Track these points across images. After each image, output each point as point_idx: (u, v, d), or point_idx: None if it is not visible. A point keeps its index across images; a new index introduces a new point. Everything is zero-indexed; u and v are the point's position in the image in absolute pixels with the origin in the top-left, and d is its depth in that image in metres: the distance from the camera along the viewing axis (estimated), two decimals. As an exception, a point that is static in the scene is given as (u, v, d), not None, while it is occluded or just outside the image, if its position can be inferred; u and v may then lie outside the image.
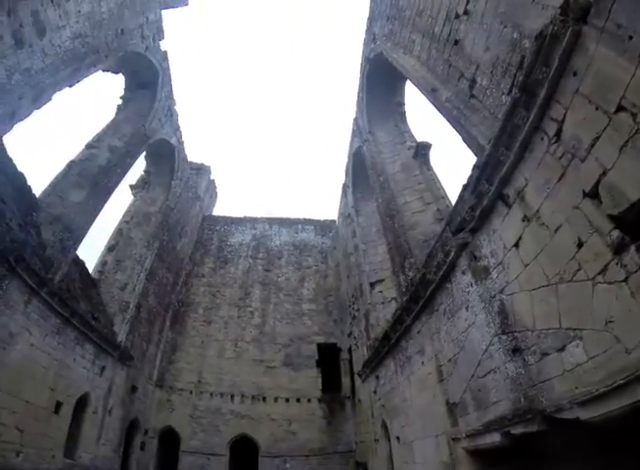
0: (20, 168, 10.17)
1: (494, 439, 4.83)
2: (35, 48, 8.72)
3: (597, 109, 3.38)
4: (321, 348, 15.02)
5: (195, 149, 70.16)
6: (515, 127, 4.66)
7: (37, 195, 10.87)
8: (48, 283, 9.36)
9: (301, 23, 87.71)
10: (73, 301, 10.51)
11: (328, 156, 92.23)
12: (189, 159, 18.19)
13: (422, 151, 12.38)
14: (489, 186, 5.27)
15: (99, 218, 11.95)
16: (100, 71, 11.94)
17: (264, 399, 13.24)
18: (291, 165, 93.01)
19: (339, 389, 14.07)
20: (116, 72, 12.77)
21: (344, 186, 17.29)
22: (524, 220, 4.47)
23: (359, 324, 13.48)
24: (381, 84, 13.74)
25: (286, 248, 17.67)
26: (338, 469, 12.30)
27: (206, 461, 11.95)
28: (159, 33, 13.01)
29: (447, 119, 7.91)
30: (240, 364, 13.85)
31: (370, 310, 12.75)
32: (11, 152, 9.77)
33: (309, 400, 13.76)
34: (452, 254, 6.44)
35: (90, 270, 12.80)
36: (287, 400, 13.60)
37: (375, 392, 11.23)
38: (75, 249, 11.04)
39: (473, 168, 5.91)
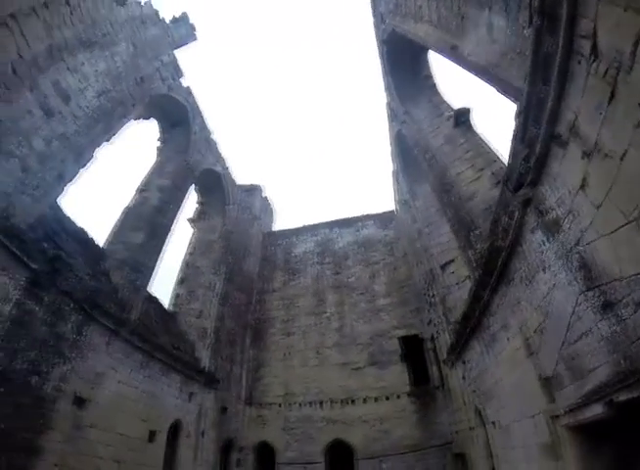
0: (79, 224, 11.15)
1: (596, 411, 4.09)
2: (65, 114, 9.48)
3: (626, 10, 2.92)
4: (403, 341, 14.52)
5: (244, 170, 72.21)
6: (546, 58, 4.16)
7: (102, 244, 11.84)
8: (126, 323, 10.07)
9: (318, 24, 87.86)
10: (153, 335, 11.18)
11: (371, 148, 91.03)
12: (239, 181, 18.88)
13: (462, 118, 11.69)
14: (537, 129, 4.71)
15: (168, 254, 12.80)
16: (132, 121, 12.83)
17: (353, 401, 13.08)
18: (338, 165, 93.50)
19: (427, 380, 13.48)
20: (148, 118, 13.67)
21: (395, 173, 16.82)
22: (584, 157, 3.88)
23: (437, 310, 12.88)
24: (403, 63, 13.28)
25: (350, 248, 17.51)
26: (435, 463, 11.72)
27: (303, 470, 12.10)
28: (177, 72, 13.67)
29: (476, 74, 7.52)
30: (324, 370, 13.85)
31: (445, 294, 12.17)
32: (68, 209, 10.78)
33: (399, 397, 13.33)
34: (516, 214, 5.84)
35: (166, 304, 13.63)
36: (376, 400, 13.29)
37: (464, 378, 10.59)
38: (146, 287, 11.75)
39: (516, 117, 5.33)
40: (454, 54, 8.15)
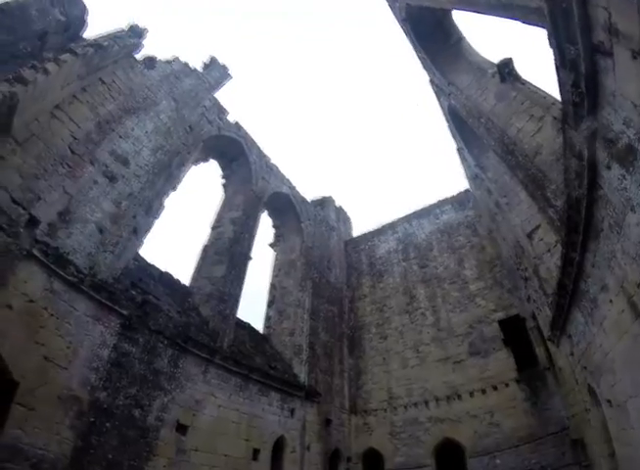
0: (163, 268, 12.30)
1: None
2: (127, 176, 10.65)
3: None
4: (503, 324, 13.27)
5: (310, 184, 72.33)
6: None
7: (187, 281, 12.91)
8: (219, 351, 10.80)
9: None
10: (248, 359, 11.80)
11: (429, 132, 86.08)
12: (309, 196, 19.42)
13: (505, 70, 10.74)
14: (574, 46, 4.22)
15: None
16: (192, 166, 13.96)
17: (459, 396, 12.23)
18: (400, 157, 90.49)
19: (535, 363, 12.09)
20: (206, 160, 14.78)
21: (459, 150, 15.87)
22: (635, 57, 3.33)
23: (532, 284, 11.70)
24: (430, 34, 12.69)
25: (433, 237, 16.75)
26: (553, 453, 10.28)
27: (413, 474, 11.56)
28: (221, 112, 14.61)
29: (498, 14, 7.15)
30: (425, 368, 13.25)
31: (537, 264, 11.04)
32: (150, 254, 11.97)
33: (507, 385, 12.10)
34: (585, 152, 5.17)
35: (258, 325, 14.42)
36: (483, 392, 12.24)
37: (572, 354, 9.39)
38: (234, 314, 12.45)
39: (549, 43, 4.77)
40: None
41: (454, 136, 15.46)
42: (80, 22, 8.47)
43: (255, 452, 10.25)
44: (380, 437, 12.86)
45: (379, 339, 15.29)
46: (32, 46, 7.60)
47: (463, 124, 13.81)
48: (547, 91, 9.80)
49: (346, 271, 18.49)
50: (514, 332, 13.06)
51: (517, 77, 10.67)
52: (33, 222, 7.96)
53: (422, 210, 17.95)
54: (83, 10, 8.41)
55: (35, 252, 7.75)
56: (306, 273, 15.95)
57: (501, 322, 13.34)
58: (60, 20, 7.99)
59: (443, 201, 17.42)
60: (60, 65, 7.79)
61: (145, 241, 11.61)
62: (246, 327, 13.54)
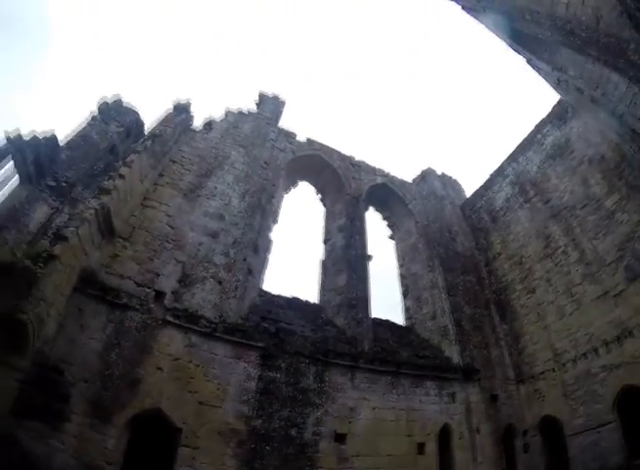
0: (289, 294, 13.16)
1: None
2: (226, 228, 11.57)
3: None
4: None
5: (405, 163, 66.59)
6: None
7: (315, 300, 13.60)
8: (361, 355, 11.10)
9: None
10: (393, 354, 11.82)
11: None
12: (407, 177, 18.90)
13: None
14: None
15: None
16: (284, 195, 14.87)
17: (630, 333, 9.89)
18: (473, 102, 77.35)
19: None
20: (295, 185, 15.60)
21: (529, 62, 13.51)
22: None
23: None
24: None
25: (546, 166, 14.06)
26: None
27: (596, 435, 9.72)
28: (289, 136, 15.32)
29: None
30: (584, 311, 11.24)
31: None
32: (278, 286, 12.93)
33: None
34: None
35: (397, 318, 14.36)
36: None
37: None
38: (368, 316, 12.58)
39: None
40: None
41: (517, 51, 13.51)
42: (137, 123, 9.99)
43: (420, 446, 10.09)
44: (554, 401, 11.42)
45: (526, 294, 13.74)
46: (106, 162, 9.24)
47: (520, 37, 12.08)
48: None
49: (472, 235, 17.12)
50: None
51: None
52: (159, 295, 9.46)
53: (523, 141, 15.61)
54: (135, 114, 9.89)
55: (169, 318, 9.18)
56: (430, 252, 15.38)
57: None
58: (119, 131, 9.55)
59: (541, 123, 14.97)
60: (130, 166, 9.28)
61: (264, 277, 12.77)
62: (385, 324, 13.59)
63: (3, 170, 7.94)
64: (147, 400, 7.81)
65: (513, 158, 16.25)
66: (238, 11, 77.24)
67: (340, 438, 9.29)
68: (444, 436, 10.78)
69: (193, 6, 66.15)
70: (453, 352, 12.57)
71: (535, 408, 11.93)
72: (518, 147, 16.09)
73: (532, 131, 15.51)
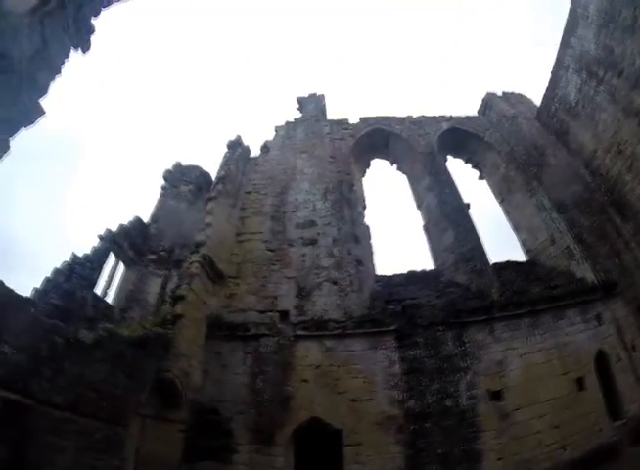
0: (405, 271, 13.12)
1: None
2: (321, 231, 11.91)
3: None
4: None
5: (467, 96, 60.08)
6: None
7: (432, 266, 13.44)
8: (493, 305, 10.54)
9: None
10: (525, 294, 11.00)
11: None
12: (472, 111, 17.77)
13: None
14: None
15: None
16: (363, 180, 14.89)
17: None
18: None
19: None
20: (368, 166, 15.56)
21: None
22: None
23: None
24: None
25: (602, 36, 11.81)
26: None
27: None
28: (342, 124, 15.38)
29: None
30: None
31: None
32: (389, 270, 13.00)
33: None
34: None
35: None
36: None
37: None
38: (487, 264, 11.93)
39: None
40: None
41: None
42: (203, 176, 10.84)
43: (580, 381, 9.39)
44: None
45: (638, 182, 11.92)
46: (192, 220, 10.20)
47: None
48: None
49: (560, 142, 15.26)
50: None
51: None
52: (284, 315, 10.23)
53: (567, 22, 13.27)
54: (197, 169, 10.74)
55: (299, 332, 9.88)
56: (525, 175, 14.12)
57: None
58: (190, 188, 10.54)
59: None
60: (212, 213, 10.26)
61: (376, 264, 12.99)
62: (507, 266, 12.80)
63: (109, 266, 9.26)
64: (302, 413, 8.50)
65: (565, 43, 14.16)
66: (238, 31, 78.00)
67: (495, 395, 9.06)
68: (601, 363, 9.94)
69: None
70: (585, 272, 11.50)
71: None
72: (565, 29, 14.03)
73: (572, 7, 13.44)
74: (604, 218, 12.72)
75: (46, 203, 56.93)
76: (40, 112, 4.66)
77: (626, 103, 12.04)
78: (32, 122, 4.63)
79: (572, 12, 13.70)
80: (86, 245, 10.94)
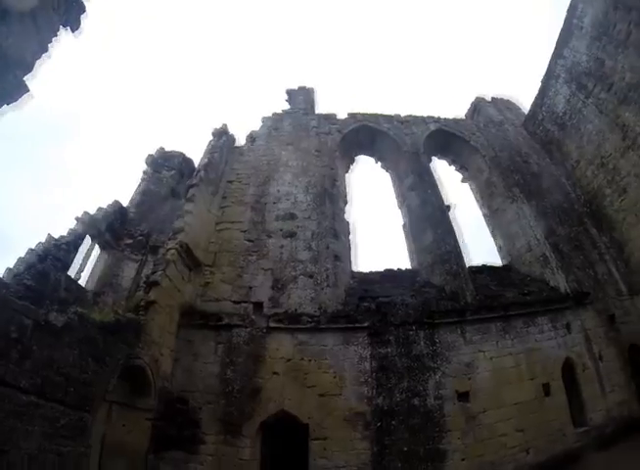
0: (380, 268, 13.20)
1: None
2: (300, 224, 11.91)
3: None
4: None
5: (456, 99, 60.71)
6: None
7: (409, 266, 13.54)
8: (465, 308, 10.68)
9: None
10: (498, 298, 11.19)
11: None
12: (459, 114, 17.86)
13: None
14: None
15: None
16: (347, 176, 14.88)
17: None
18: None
19: None
20: (354, 162, 15.54)
21: None
22: None
23: None
24: None
25: (593, 48, 12.13)
26: None
27: None
28: (329, 119, 15.30)
29: None
30: None
31: None
32: (367, 267, 13.04)
33: None
34: None
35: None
36: None
37: None
38: (463, 266, 11.98)
39: None
40: None
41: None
42: (186, 162, 10.70)
43: (545, 387, 9.61)
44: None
45: (618, 197, 11.99)
46: (171, 205, 10.13)
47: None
48: None
49: (544, 151, 15.38)
50: None
51: None
52: (258, 306, 10.15)
53: (561, 32, 13.46)
54: (181, 155, 10.60)
55: (272, 324, 9.82)
56: (507, 182, 14.28)
57: None
58: (172, 174, 10.38)
59: (572, 4, 12.90)
60: (192, 200, 10.16)
61: (355, 260, 13.00)
62: (482, 270, 12.97)
63: (84, 249, 9.09)
64: (270, 405, 8.50)
65: (557, 54, 14.36)
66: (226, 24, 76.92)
67: (463, 396, 9.17)
68: (568, 371, 10.21)
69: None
70: (558, 280, 11.74)
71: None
72: (558, 40, 14.20)
73: (567, 17, 13.59)
74: (581, 229, 12.99)
75: (29, 186, 55.50)
76: (24, 89, 4.53)
77: (613, 117, 12.27)
78: (16, 100, 4.49)
79: (567, 22, 13.85)
80: (67, 228, 10.74)
